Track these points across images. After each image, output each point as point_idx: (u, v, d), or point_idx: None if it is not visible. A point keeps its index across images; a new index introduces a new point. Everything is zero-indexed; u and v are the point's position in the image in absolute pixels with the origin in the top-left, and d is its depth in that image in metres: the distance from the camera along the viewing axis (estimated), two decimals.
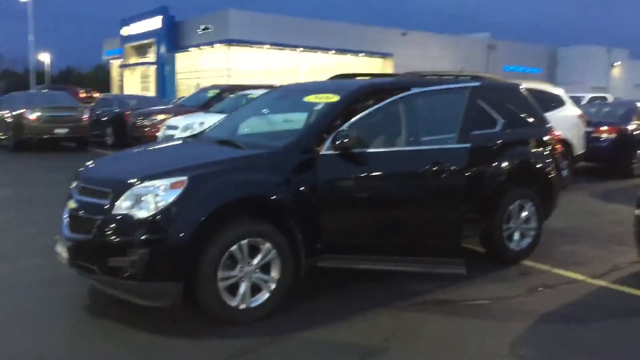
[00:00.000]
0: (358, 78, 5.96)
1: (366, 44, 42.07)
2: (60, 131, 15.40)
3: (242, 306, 4.21)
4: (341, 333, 4.10)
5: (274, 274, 4.33)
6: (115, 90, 50.15)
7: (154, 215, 3.93)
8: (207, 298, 4.07)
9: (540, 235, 6.03)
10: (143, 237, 3.92)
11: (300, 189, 4.42)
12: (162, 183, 4.03)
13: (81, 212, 4.24)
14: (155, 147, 5.67)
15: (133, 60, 47.63)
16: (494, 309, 4.61)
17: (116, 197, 4.05)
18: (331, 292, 4.89)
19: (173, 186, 4.01)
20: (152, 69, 43.89)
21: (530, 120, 6.11)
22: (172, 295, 4.00)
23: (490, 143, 5.46)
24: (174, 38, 42.00)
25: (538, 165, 5.98)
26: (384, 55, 43.80)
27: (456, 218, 4.53)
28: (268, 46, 38.81)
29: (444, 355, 3.81)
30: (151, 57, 44.19)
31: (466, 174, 4.58)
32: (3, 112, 16.09)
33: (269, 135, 5.06)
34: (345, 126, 4.53)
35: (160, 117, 14.21)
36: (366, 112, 4.67)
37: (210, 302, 4.08)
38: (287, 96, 5.75)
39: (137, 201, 4.00)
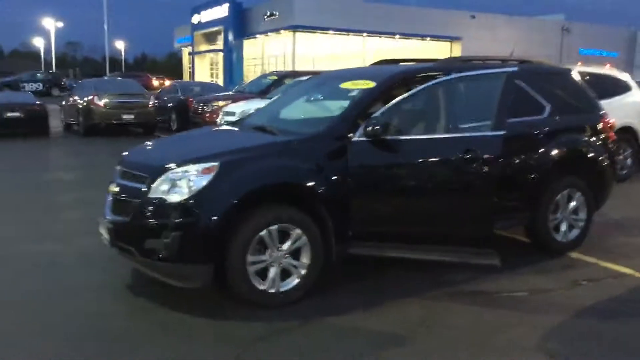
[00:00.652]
0: (402, 64, 5.90)
1: (433, 27, 41.23)
2: (128, 117, 15.99)
3: (272, 290, 4.28)
4: (370, 320, 4.11)
5: (304, 259, 4.37)
6: (186, 77, 51.50)
7: (186, 200, 4.05)
8: (236, 281, 4.17)
9: (590, 227, 5.80)
10: (175, 221, 4.05)
11: (332, 175, 4.43)
12: (194, 168, 4.14)
13: (121, 195, 4.42)
14: (195, 134, 5.82)
15: (203, 47, 48.69)
16: (530, 301, 4.50)
17: (152, 182, 4.20)
18: (366, 279, 4.90)
19: (205, 171, 4.12)
20: (221, 56, 44.70)
21: (582, 106, 5.87)
22: (203, 277, 4.12)
23: (534, 130, 5.29)
24: (241, 25, 42.54)
25: (588, 154, 5.74)
26: (451, 39, 42.83)
27: (487, 207, 4.42)
28: (332, 31, 38.73)
29: (469, 346, 3.75)
30: (219, 44, 45.01)
31: (500, 163, 4.45)
32: (75, 99, 16.84)
33: (304, 122, 5.08)
34: (378, 113, 4.51)
35: (220, 103, 14.51)
36: (399, 98, 4.63)
37: (239, 285, 4.18)
38: (326, 83, 5.76)
39: (171, 185, 4.13)
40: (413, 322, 4.09)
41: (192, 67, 50.77)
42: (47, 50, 66.74)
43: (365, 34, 39.96)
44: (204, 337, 3.85)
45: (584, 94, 5.95)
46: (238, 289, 4.20)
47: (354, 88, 4.96)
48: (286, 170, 4.36)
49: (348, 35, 39.62)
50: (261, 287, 4.25)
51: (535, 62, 5.82)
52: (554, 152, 5.41)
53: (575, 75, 6.00)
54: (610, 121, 6.02)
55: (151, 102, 16.48)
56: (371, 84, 4.85)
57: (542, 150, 5.30)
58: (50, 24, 57.82)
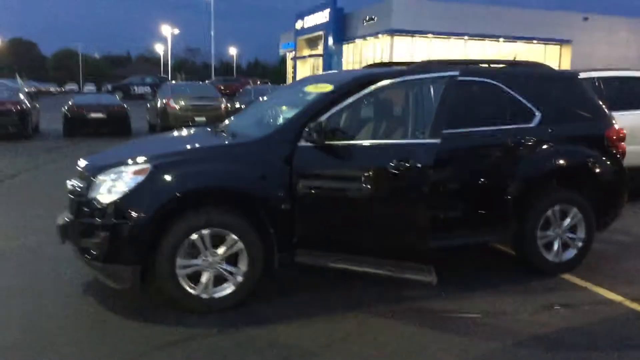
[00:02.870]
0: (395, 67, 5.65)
1: (540, 30, 39.25)
2: (199, 119, 16.60)
3: (204, 295, 4.24)
4: (290, 333, 3.97)
5: (242, 266, 4.30)
6: (289, 81, 52.67)
7: (116, 201, 4.12)
8: (165, 284, 4.17)
9: (589, 247, 5.25)
10: (105, 221, 4.13)
11: (275, 180, 4.33)
12: (127, 170, 4.20)
13: (71, 194, 4.57)
14: (165, 135, 5.90)
15: (305, 52, 49.57)
16: (476, 324, 4.15)
17: (91, 182, 4.31)
18: (316, 291, 4.73)
19: (137, 173, 4.16)
20: (321, 61, 45.28)
21: (586, 115, 5.32)
22: (130, 278, 4.15)
23: (506, 139, 4.87)
24: (341, 30, 42.86)
25: (587, 167, 5.20)
26: (560, 42, 40.60)
27: (421, 220, 4.09)
28: (431, 35, 38.02)
29: None
30: (320, 49, 45.62)
31: (433, 173, 4.09)
32: (157, 101, 17.73)
33: (259, 126, 4.98)
34: (322, 118, 4.34)
35: None
36: (343, 104, 4.43)
37: (168, 288, 4.18)
38: (296, 86, 5.63)
39: (106, 186, 4.21)
40: (335, 337, 3.90)
41: (295, 71, 51.83)
42: (170, 55, 70.78)
43: (466, 37, 38.86)
44: (117, 337, 3.88)
45: (590, 102, 5.39)
46: (167, 292, 4.21)
47: (313, 92, 4.81)
48: (221, 174, 4.31)
49: (448, 39, 38.73)
50: (192, 292, 4.22)
51: (531, 64, 5.36)
52: (540, 163, 4.97)
53: (581, 81, 5.45)
54: (619, 131, 5.41)
55: (223, 105, 16.99)
56: (329, 88, 4.69)
57: (519, 161, 4.87)
58: (168, 31, 61.25)
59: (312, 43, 48.35)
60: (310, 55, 48.33)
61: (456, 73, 4.37)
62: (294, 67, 51.96)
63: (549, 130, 5.08)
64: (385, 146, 4.47)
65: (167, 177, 4.17)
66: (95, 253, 4.17)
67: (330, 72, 6.11)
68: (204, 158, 4.42)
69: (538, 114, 5.06)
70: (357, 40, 41.85)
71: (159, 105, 17.16)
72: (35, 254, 5.55)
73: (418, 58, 36.27)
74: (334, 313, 4.28)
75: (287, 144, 4.38)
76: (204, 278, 4.24)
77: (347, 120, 4.46)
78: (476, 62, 5.38)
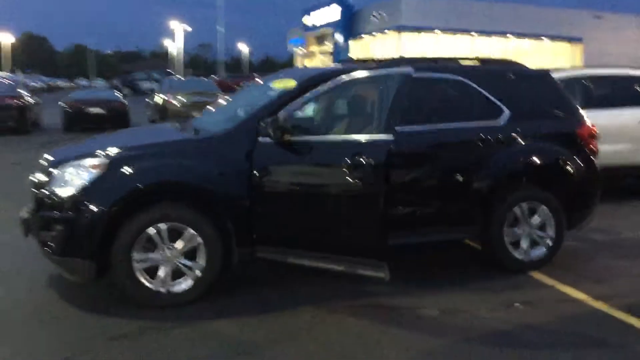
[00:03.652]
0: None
1: (549, 27, 38.90)
2: (198, 115, 16.58)
3: (162, 290, 4.26)
4: (242, 328, 3.98)
5: (200, 260, 4.30)
6: None
7: (72, 195, 4.14)
8: (120, 278, 4.19)
9: (560, 246, 5.21)
10: (62, 214, 4.16)
11: (234, 176, 4.34)
12: (85, 163, 4.22)
13: (33, 188, 4.60)
14: (134, 130, 5.93)
15: (313, 48, 49.52)
16: (431, 321, 4.14)
17: (50, 174, 4.33)
18: (279, 286, 4.75)
19: (93, 167, 4.19)
20: (329, 57, 45.20)
21: (557, 112, 5.28)
22: (85, 272, 4.17)
23: (468, 136, 4.86)
24: (349, 26, 42.77)
25: (557, 164, 5.16)
26: (570, 39, 40.22)
27: (377, 217, 4.07)
28: (439, 31, 37.84)
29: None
30: (328, 45, 45.54)
31: (386, 170, 4.07)
32: (157, 96, 17.79)
33: (222, 121, 4.97)
34: (281, 113, 4.33)
35: None
36: (304, 99, 4.42)
37: (124, 282, 4.20)
38: (266, 82, 5.61)
39: (62, 180, 4.23)
40: (285, 333, 3.92)
41: (304, 67, 51.83)
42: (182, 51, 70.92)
43: (474, 34, 38.60)
44: (71, 328, 3.92)
45: (562, 100, 5.35)
46: (122, 286, 4.22)
47: (277, 88, 4.81)
48: (177, 169, 4.32)
49: (455, 35, 38.50)
50: (150, 286, 4.24)
51: (503, 61, 5.33)
52: (507, 160, 4.94)
53: (553, 79, 5.40)
54: (592, 129, 5.35)
55: (223, 101, 16.99)
56: (293, 84, 4.68)
57: (484, 158, 4.84)
58: (178, 27, 61.36)
59: (320, 39, 48.27)
60: (319, 52, 48.27)
61: (410, 70, 4.33)
62: (302, 63, 51.94)
63: (518, 128, 5.04)
64: (340, 142, 4.44)
65: (124, 171, 4.18)
66: (52, 246, 4.20)
67: (297, 68, 6.11)
68: (163, 153, 4.43)
69: (507, 111, 5.02)
70: (365, 37, 41.73)
71: (158, 101, 17.21)
72: (6, 248, 5.59)
73: (425, 54, 36.28)
74: (290, 309, 4.28)
75: (247, 140, 4.38)
76: (162, 272, 4.25)
77: (307, 116, 4.44)
78: (448, 60, 5.34)
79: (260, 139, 4.35)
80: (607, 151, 7.96)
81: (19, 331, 3.87)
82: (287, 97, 4.54)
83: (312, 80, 4.62)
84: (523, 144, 5.03)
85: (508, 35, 38.74)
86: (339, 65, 5.24)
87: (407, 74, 4.29)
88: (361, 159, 4.09)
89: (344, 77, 4.48)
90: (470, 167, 4.84)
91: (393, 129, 4.11)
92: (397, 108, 4.20)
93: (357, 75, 4.51)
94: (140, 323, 3.98)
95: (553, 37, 39.71)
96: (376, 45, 40.88)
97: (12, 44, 59.95)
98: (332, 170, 4.32)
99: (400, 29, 37.53)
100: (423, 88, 4.74)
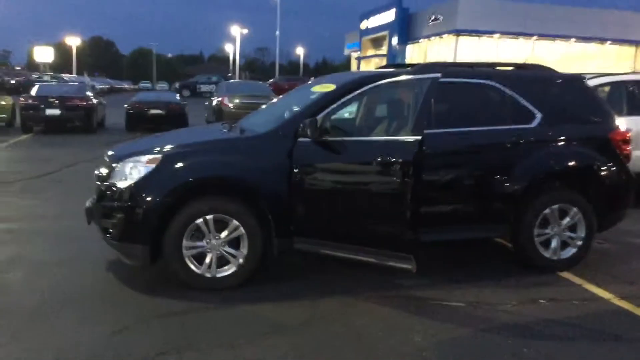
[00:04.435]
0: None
1: (614, 30, 37.85)
2: None
3: (207, 275, 4.67)
4: (278, 311, 4.33)
5: (243, 249, 4.69)
6: None
7: (130, 186, 4.60)
8: (172, 263, 4.63)
9: (589, 247, 5.35)
10: (121, 204, 4.63)
11: (275, 172, 4.70)
12: (142, 159, 4.68)
13: (97, 180, 5.10)
14: (180, 130, 6.38)
15: (369, 52, 49.74)
16: (457, 312, 4.40)
17: (112, 169, 4.82)
18: (316, 275, 5.09)
19: (149, 162, 4.64)
20: (385, 61, 45.31)
21: (589, 117, 5.42)
22: (142, 256, 4.63)
23: (501, 138, 5.07)
24: (406, 30, 42.76)
25: (589, 167, 5.30)
26: (636, 43, 39.04)
27: (408, 212, 4.35)
28: (498, 35, 37.38)
29: (345, 344, 3.83)
30: (384, 49, 45.67)
31: (416, 168, 4.33)
32: (213, 99, 18.47)
33: (266, 122, 5.33)
34: (320, 115, 4.67)
35: None
36: (340, 102, 4.76)
37: (175, 267, 4.63)
38: (307, 86, 5.95)
39: (123, 173, 4.71)
40: (316, 316, 4.26)
41: (358, 70, 52.08)
42: (240, 54, 72.65)
43: (535, 38, 37.97)
44: (124, 304, 4.38)
45: (595, 104, 5.48)
46: (174, 270, 4.66)
47: (317, 91, 5.15)
48: (224, 165, 4.72)
49: (517, 38, 37.95)
50: (197, 271, 4.65)
51: (537, 67, 5.50)
52: (538, 163, 5.12)
53: (586, 84, 5.54)
54: (624, 134, 5.46)
55: (269, 104, 17.49)
56: (331, 87, 5.01)
57: (517, 160, 5.05)
58: (237, 31, 62.82)
59: (376, 43, 48.45)
60: (375, 56, 48.45)
61: (438, 75, 4.60)
62: (358, 67, 52.20)
63: (549, 132, 5.21)
64: (373, 143, 4.76)
65: (176, 166, 4.62)
66: (112, 232, 4.68)
67: (339, 73, 6.44)
68: (211, 150, 4.84)
69: (539, 115, 5.20)
70: (421, 41, 41.65)
71: (214, 103, 17.87)
72: (70, 235, 6.16)
73: (483, 59, 35.89)
74: (322, 296, 4.61)
75: (288, 139, 4.74)
76: (208, 259, 4.66)
77: (343, 118, 4.76)
78: (482, 65, 5.56)
79: (300, 138, 4.71)
80: None
81: (81, 307, 4.34)
82: (326, 100, 4.88)
83: (349, 85, 4.95)
84: (555, 147, 5.21)
85: (571, 39, 37.92)
86: (367, 72, 5.54)
87: (434, 78, 4.56)
88: (391, 158, 4.39)
89: (378, 82, 4.79)
90: (501, 168, 5.05)
91: (422, 130, 4.39)
92: (426, 111, 4.48)
93: (390, 80, 4.82)
94: (188, 303, 4.40)
95: (617, 41, 38.60)
96: (433, 49, 40.73)
97: (77, 46, 62.64)
98: (364, 168, 4.64)
99: (457, 32, 37.30)
100: (453, 92, 5.00)
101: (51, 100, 16.58)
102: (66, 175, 10.10)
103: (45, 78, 29.90)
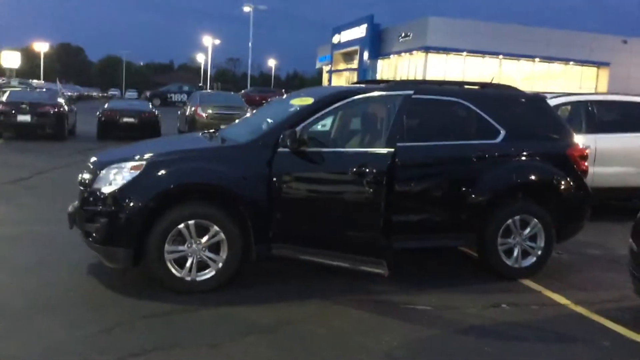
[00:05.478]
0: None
1: (577, 51, 39.07)
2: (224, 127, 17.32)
3: (188, 278, 4.85)
4: (256, 312, 4.55)
5: (223, 254, 4.90)
6: None
7: (114, 191, 4.78)
8: (154, 267, 4.80)
9: (549, 256, 5.70)
10: (104, 209, 4.80)
11: (255, 180, 4.93)
12: (126, 165, 4.86)
13: (80, 186, 5.25)
14: (168, 138, 6.57)
15: (341, 66, 50.33)
16: (427, 315, 4.67)
17: (96, 174, 4.98)
18: (292, 279, 5.33)
19: (133, 168, 4.83)
20: (356, 75, 45.89)
21: (549, 134, 5.80)
22: (124, 259, 4.79)
23: (464, 152, 5.42)
24: (377, 45, 43.42)
25: (549, 182, 5.67)
26: (598, 64, 40.36)
27: (380, 220, 4.64)
28: (466, 53, 38.28)
29: (321, 343, 4.07)
30: (356, 63, 46.28)
31: (387, 180, 4.64)
32: (187, 109, 18.59)
33: (247, 132, 5.55)
34: (299, 127, 4.93)
35: None
36: (318, 115, 5.03)
37: (156, 270, 4.81)
38: (286, 99, 6.22)
39: (106, 179, 4.87)
40: (295, 318, 4.48)
41: (330, 84, 52.55)
42: (212, 64, 72.54)
43: (501, 57, 38.96)
44: (108, 306, 4.54)
45: (555, 122, 5.87)
46: (155, 273, 4.83)
47: (296, 104, 5.41)
48: (205, 172, 4.93)
49: (483, 57, 38.90)
50: (178, 274, 4.83)
51: (502, 86, 5.87)
52: (501, 177, 5.46)
53: (547, 103, 5.93)
54: (582, 150, 5.85)
55: (248, 114, 17.70)
56: (309, 101, 5.28)
57: (481, 173, 5.38)
58: (209, 41, 62.85)
59: (347, 57, 49.06)
60: (346, 69, 49.03)
61: (410, 92, 4.92)
62: (330, 80, 52.73)
63: (512, 147, 5.57)
64: (349, 154, 5.06)
65: (159, 173, 4.81)
66: (95, 236, 4.83)
67: (316, 87, 6.73)
68: (193, 158, 5.06)
69: (502, 132, 5.55)
70: (392, 56, 42.36)
71: (187, 113, 17.99)
72: (48, 239, 6.27)
73: (451, 76, 36.49)
74: (300, 299, 4.86)
75: (268, 149, 4.98)
76: (188, 263, 4.85)
77: (321, 130, 5.03)
78: (450, 84, 5.91)
79: (280, 149, 4.95)
80: (614, 173, 8.46)
81: (65, 309, 4.47)
82: (304, 113, 5.15)
83: (326, 99, 5.23)
84: (517, 161, 5.56)
85: (536, 58, 39.05)
86: (342, 87, 5.83)
87: (407, 95, 4.87)
88: (365, 169, 4.67)
89: (354, 97, 5.09)
90: (467, 181, 5.38)
91: (394, 143, 4.69)
92: (399, 125, 4.78)
93: (365, 95, 5.12)
94: (170, 306, 4.58)
95: (580, 62, 39.87)
96: (404, 65, 41.47)
97: (44, 52, 61.87)
98: (340, 178, 4.92)
99: (427, 49, 38.07)
100: (423, 108, 5.32)
101: (22, 106, 16.50)
102: (39, 181, 10.13)
103: (14, 83, 29.46)
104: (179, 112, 20.86)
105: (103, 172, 4.94)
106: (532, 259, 5.64)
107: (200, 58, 76.48)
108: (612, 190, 8.60)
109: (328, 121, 5.46)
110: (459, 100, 5.51)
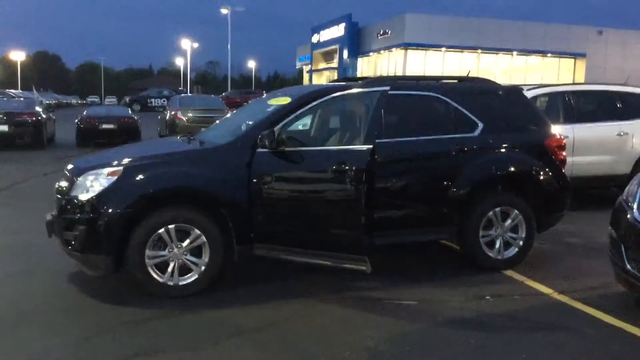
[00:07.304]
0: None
1: (553, 44, 39.45)
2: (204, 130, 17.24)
3: (170, 283, 4.81)
4: (242, 314, 4.52)
5: (205, 257, 4.86)
6: None
7: (92, 198, 4.72)
8: (135, 273, 4.75)
9: (530, 247, 5.74)
10: (83, 216, 4.74)
11: (235, 182, 4.91)
12: (103, 171, 4.81)
13: (57, 194, 5.18)
14: (147, 142, 6.53)
15: (321, 65, 50.35)
16: (411, 310, 4.67)
17: (73, 182, 4.92)
18: (275, 279, 5.30)
19: (110, 174, 4.77)
20: (336, 74, 45.93)
21: (527, 125, 5.83)
22: (104, 267, 4.75)
23: (444, 147, 5.44)
24: (356, 44, 43.54)
25: (528, 172, 5.70)
26: (574, 55, 40.75)
27: (362, 218, 4.64)
28: (444, 49, 38.48)
29: (307, 342, 4.05)
30: (335, 62, 46.33)
31: (367, 176, 4.64)
32: (167, 113, 18.48)
33: (226, 134, 5.53)
34: (277, 127, 4.91)
35: None
36: (296, 114, 5.02)
37: (138, 276, 4.76)
38: (264, 99, 6.21)
39: (84, 186, 4.81)
40: (280, 318, 4.47)
41: (310, 84, 52.59)
42: (191, 68, 72.14)
43: (479, 51, 39.22)
44: (88, 314, 4.49)
45: (532, 113, 5.91)
46: (137, 279, 4.78)
47: (273, 104, 5.39)
48: (184, 176, 4.89)
49: (462, 52, 39.13)
50: (160, 280, 4.79)
51: (478, 79, 5.89)
52: (480, 169, 5.48)
53: (523, 95, 5.97)
54: (560, 140, 5.90)
55: (227, 116, 17.65)
56: (287, 101, 5.26)
57: (460, 167, 5.39)
58: (187, 44, 62.48)
59: (327, 56, 49.10)
60: (326, 69, 49.06)
61: (386, 88, 4.93)
62: (310, 80, 52.74)
63: (490, 140, 5.59)
64: (327, 152, 5.05)
65: (137, 178, 4.77)
66: (74, 244, 4.77)
67: (293, 87, 6.73)
68: (171, 162, 5.01)
69: (480, 125, 5.57)
70: (371, 54, 42.48)
71: (167, 117, 17.89)
72: (29, 249, 6.19)
73: (431, 72, 36.66)
74: (284, 299, 4.83)
75: (247, 150, 4.96)
76: (170, 267, 4.81)
77: (299, 129, 5.02)
78: (427, 78, 5.93)
79: (259, 149, 4.93)
80: (592, 162, 8.55)
81: (45, 318, 4.42)
82: (282, 112, 5.13)
83: (304, 98, 5.21)
84: (496, 154, 5.59)
85: (513, 52, 39.35)
86: (319, 86, 5.82)
87: (383, 91, 4.87)
88: (344, 167, 4.67)
89: (331, 95, 5.08)
90: (447, 174, 5.39)
91: (373, 140, 4.69)
92: (376, 121, 4.78)
93: (342, 93, 5.11)
94: (152, 311, 4.53)
95: (558, 53, 40.24)
96: (384, 63, 41.60)
97: (21, 61, 61.21)
98: (320, 176, 4.92)
99: (405, 46, 38.21)
100: (401, 104, 5.32)
101: None
102: (18, 191, 10.01)
103: None
104: (159, 117, 20.73)
105: (80, 179, 4.88)
106: (514, 250, 5.67)
107: (179, 62, 76.08)
108: (591, 179, 8.69)
109: (307, 120, 5.45)
110: (435, 94, 5.52)
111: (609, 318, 4.55)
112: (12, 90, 38.84)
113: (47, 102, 31.45)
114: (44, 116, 17.27)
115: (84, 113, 18.58)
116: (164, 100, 41.25)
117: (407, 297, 4.92)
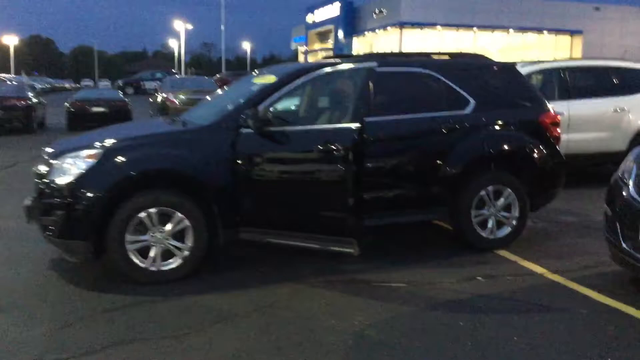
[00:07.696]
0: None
1: (550, 20, 39.13)
2: None
3: (153, 268, 4.67)
4: (227, 300, 4.38)
5: (188, 242, 4.72)
6: None
7: (70, 182, 4.56)
8: (115, 257, 4.61)
9: (524, 226, 5.61)
10: (60, 200, 4.58)
11: (219, 163, 4.75)
12: (81, 154, 4.64)
13: (35, 178, 5.03)
14: (122, 125, 6.40)
15: (316, 46, 49.92)
16: (398, 292, 4.55)
17: (50, 165, 4.76)
18: (262, 264, 5.16)
19: (89, 157, 4.61)
20: (331, 54, 45.53)
21: (521, 102, 5.66)
22: (84, 252, 4.60)
23: (433, 124, 5.27)
24: (351, 23, 43.11)
25: (521, 150, 5.55)
26: (571, 32, 40.42)
27: (350, 198, 4.49)
28: (440, 27, 38.12)
29: (291, 328, 3.92)
30: (331, 42, 45.92)
31: (355, 155, 4.48)
32: (158, 95, 18.24)
33: (209, 115, 5.36)
34: (261, 106, 4.74)
35: None
36: (282, 92, 4.85)
37: (118, 262, 4.62)
38: (249, 78, 6.02)
39: (62, 170, 4.66)
40: (265, 303, 4.33)
41: None
42: (186, 50, 71.45)
43: (475, 29, 38.86)
44: (69, 301, 4.35)
45: (525, 89, 5.74)
46: (117, 265, 4.64)
47: (258, 83, 5.21)
48: (166, 158, 4.72)
49: (458, 30, 38.76)
50: (142, 265, 4.65)
51: (471, 55, 5.71)
52: (472, 147, 5.33)
53: (516, 70, 5.79)
54: (554, 117, 5.73)
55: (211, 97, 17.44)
56: (273, 79, 5.08)
57: (452, 145, 5.24)
58: (181, 26, 61.81)
59: (322, 36, 48.66)
60: (322, 49, 48.64)
61: (374, 64, 4.74)
62: (305, 61, 52.30)
63: (483, 117, 5.43)
64: (314, 131, 4.88)
65: (116, 161, 4.60)
66: (53, 229, 4.62)
67: (279, 65, 6.55)
68: (153, 143, 4.85)
69: (472, 102, 5.40)
70: (367, 34, 42.06)
71: (159, 99, 17.65)
72: (12, 235, 6.05)
73: (428, 50, 36.41)
74: (270, 284, 4.70)
75: (231, 131, 4.80)
76: (152, 252, 4.67)
77: (285, 108, 4.85)
78: (417, 55, 5.74)
79: (243, 130, 4.76)
80: (587, 139, 8.40)
81: (25, 306, 4.28)
82: (267, 91, 4.96)
83: (289, 76, 5.03)
84: (488, 131, 5.42)
85: (510, 29, 38.99)
86: (305, 63, 5.65)
87: (370, 68, 4.69)
88: (331, 146, 4.50)
89: (317, 72, 4.90)
90: (438, 153, 5.24)
91: (361, 118, 4.52)
92: (364, 99, 4.61)
93: (328, 70, 4.93)
94: (134, 297, 4.40)
95: (554, 31, 39.91)
96: (379, 42, 41.21)
97: (14, 45, 60.55)
98: (307, 156, 4.76)
99: (401, 25, 37.84)
100: (389, 81, 5.14)
101: None
102: (6, 176, 9.84)
103: None
104: (150, 100, 20.49)
105: (58, 162, 4.72)
106: (506, 229, 5.54)
107: (173, 44, 75.36)
108: (586, 156, 8.55)
109: (293, 99, 5.27)
110: (426, 71, 5.34)
111: (604, 298, 4.43)
112: (5, 75, 38.52)
113: (41, 86, 31.11)
114: (34, 100, 17.04)
115: (74, 96, 18.34)
116: (157, 83, 40.86)
117: (396, 280, 4.79)
